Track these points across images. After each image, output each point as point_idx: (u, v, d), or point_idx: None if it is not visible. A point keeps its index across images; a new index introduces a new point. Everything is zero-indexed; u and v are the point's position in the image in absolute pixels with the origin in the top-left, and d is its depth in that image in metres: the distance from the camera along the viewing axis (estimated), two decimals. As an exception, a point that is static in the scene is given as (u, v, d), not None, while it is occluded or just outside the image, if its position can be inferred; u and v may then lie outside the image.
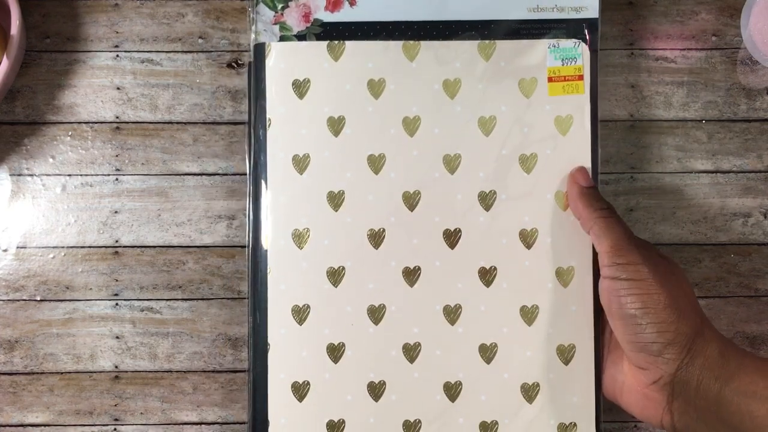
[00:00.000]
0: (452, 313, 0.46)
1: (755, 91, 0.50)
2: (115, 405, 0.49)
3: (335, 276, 0.46)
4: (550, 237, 0.46)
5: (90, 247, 0.50)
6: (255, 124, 0.46)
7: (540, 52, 0.46)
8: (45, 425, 0.49)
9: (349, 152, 0.46)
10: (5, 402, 0.49)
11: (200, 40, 0.50)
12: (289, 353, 0.46)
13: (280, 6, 0.47)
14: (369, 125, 0.46)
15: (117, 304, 0.49)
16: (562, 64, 0.46)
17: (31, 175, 0.50)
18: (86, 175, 0.50)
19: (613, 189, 0.50)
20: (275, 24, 0.47)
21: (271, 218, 0.46)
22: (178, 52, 0.50)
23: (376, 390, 0.46)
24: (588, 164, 0.46)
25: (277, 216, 0.46)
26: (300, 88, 0.46)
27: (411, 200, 0.46)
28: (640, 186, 0.50)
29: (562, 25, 0.47)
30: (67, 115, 0.50)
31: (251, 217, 0.46)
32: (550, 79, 0.46)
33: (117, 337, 0.49)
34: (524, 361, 0.46)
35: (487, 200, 0.46)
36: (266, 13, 0.47)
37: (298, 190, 0.46)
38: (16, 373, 0.49)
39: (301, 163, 0.46)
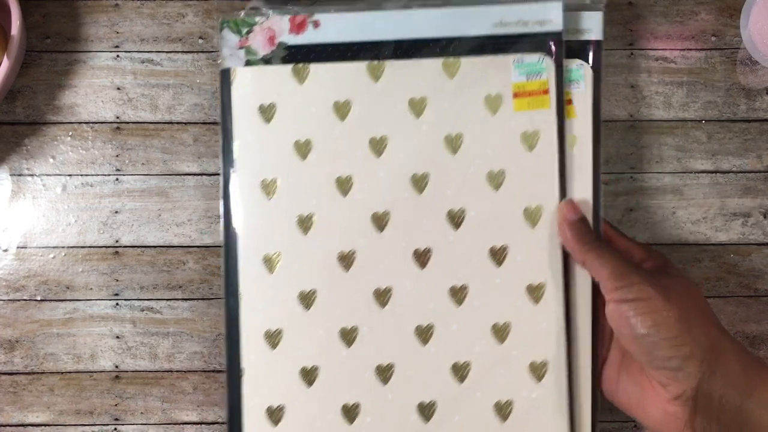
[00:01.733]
0: (424, 333, 0.46)
1: (755, 91, 0.50)
2: (116, 405, 0.49)
3: (307, 299, 0.46)
4: (520, 254, 0.46)
5: (90, 247, 0.50)
6: (224, 149, 0.46)
7: (505, 67, 0.46)
8: (45, 425, 0.49)
9: (316, 175, 0.46)
10: (5, 402, 0.49)
11: (200, 41, 0.50)
12: (262, 378, 0.46)
13: (244, 30, 0.46)
14: (336, 147, 0.46)
15: (117, 304, 0.49)
16: (527, 80, 0.46)
17: (31, 175, 0.50)
18: (87, 175, 0.50)
19: (613, 189, 0.50)
20: (240, 48, 0.46)
21: (241, 243, 0.46)
22: (178, 52, 0.50)
23: (350, 412, 0.45)
24: (555, 178, 0.46)
25: (247, 241, 0.46)
26: (266, 112, 0.46)
27: (380, 221, 0.46)
28: (640, 186, 0.50)
29: (527, 39, 0.46)
30: (68, 115, 0.50)
31: (224, 241, 0.46)
32: (515, 95, 0.46)
33: (117, 337, 0.49)
34: (497, 380, 0.45)
35: (456, 218, 0.46)
36: (231, 38, 0.46)
37: (267, 215, 0.46)
38: (16, 373, 0.49)
39: (269, 188, 0.46)
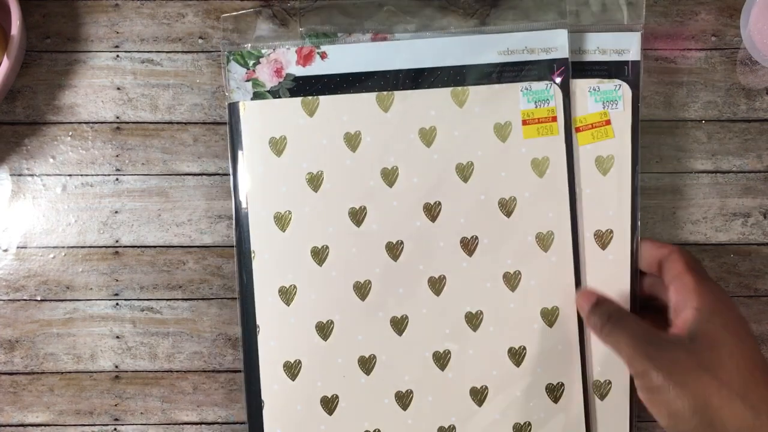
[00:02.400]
0: (442, 359, 0.46)
1: (755, 91, 0.50)
2: (116, 405, 0.49)
3: (324, 330, 0.46)
4: (533, 278, 0.46)
5: (90, 247, 0.50)
6: (235, 183, 0.47)
7: (513, 95, 0.47)
8: (45, 425, 0.49)
9: (330, 207, 0.46)
10: (5, 402, 0.49)
11: (200, 40, 0.50)
12: (283, 408, 0.46)
13: (251, 63, 0.47)
14: (348, 179, 0.46)
15: (117, 304, 0.49)
16: (536, 107, 0.46)
17: (31, 175, 0.50)
18: (86, 175, 0.50)
19: (613, 189, 0.50)
20: (248, 81, 0.47)
21: (257, 276, 0.46)
22: (178, 52, 0.50)
23: None
24: (566, 204, 0.46)
25: (262, 274, 0.46)
26: (277, 145, 0.47)
27: (394, 250, 0.46)
28: (640, 186, 0.50)
29: (534, 66, 0.47)
30: (68, 115, 0.50)
31: (237, 273, 0.47)
32: (524, 122, 0.46)
33: (117, 337, 0.49)
34: (515, 402, 0.46)
35: (469, 246, 0.46)
36: (238, 70, 0.47)
37: (282, 248, 0.46)
38: (16, 373, 0.49)
39: (282, 221, 0.46)
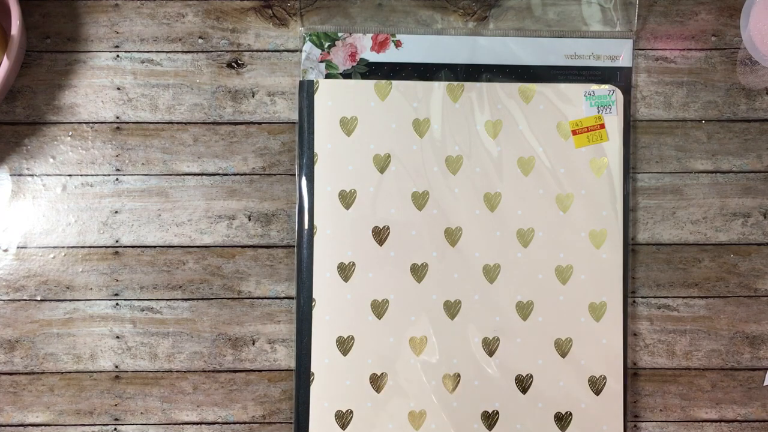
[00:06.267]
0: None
1: (755, 91, 0.50)
2: (116, 405, 0.49)
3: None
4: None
5: (90, 247, 0.50)
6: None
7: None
8: (45, 425, 0.49)
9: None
10: (5, 402, 0.49)
11: (200, 40, 0.50)
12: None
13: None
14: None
15: (117, 304, 0.49)
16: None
17: (31, 175, 0.50)
18: (86, 175, 0.50)
19: (613, 189, 0.50)
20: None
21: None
22: (178, 52, 0.50)
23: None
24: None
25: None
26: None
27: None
28: (640, 186, 0.50)
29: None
30: (68, 115, 0.50)
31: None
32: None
33: (117, 337, 0.49)
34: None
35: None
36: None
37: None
38: (16, 373, 0.49)
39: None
